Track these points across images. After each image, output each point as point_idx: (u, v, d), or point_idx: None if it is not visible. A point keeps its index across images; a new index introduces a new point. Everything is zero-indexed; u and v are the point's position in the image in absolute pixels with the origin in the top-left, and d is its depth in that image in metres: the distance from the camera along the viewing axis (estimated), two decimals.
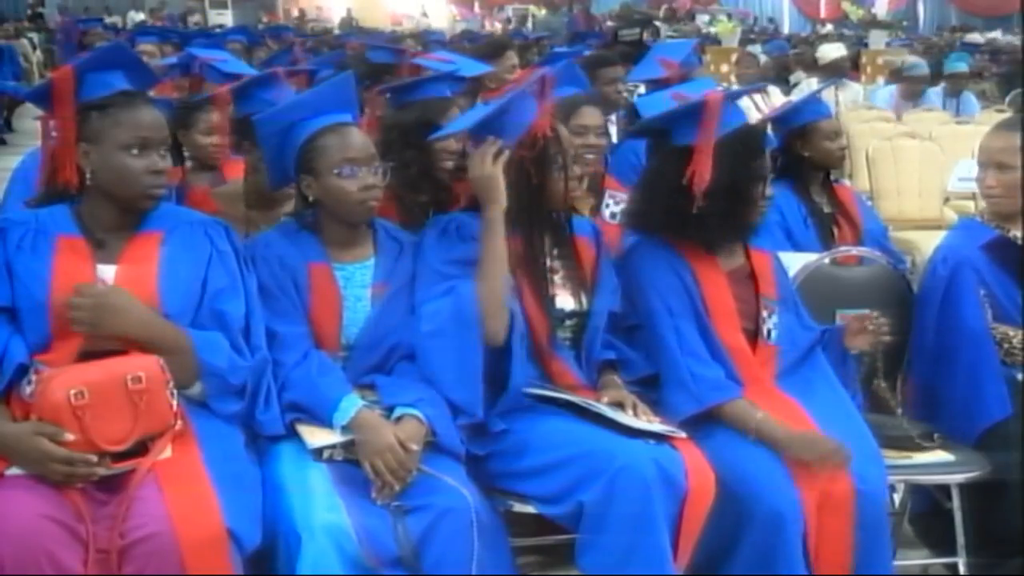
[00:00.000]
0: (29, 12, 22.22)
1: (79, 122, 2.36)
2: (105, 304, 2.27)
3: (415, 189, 3.15)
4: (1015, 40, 13.81)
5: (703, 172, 2.66)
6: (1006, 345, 2.92)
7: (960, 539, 2.79)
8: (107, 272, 2.35)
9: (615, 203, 3.59)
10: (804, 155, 3.76)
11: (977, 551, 2.80)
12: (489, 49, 5.31)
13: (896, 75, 8.89)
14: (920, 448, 2.81)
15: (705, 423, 2.60)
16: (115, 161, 2.33)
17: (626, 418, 2.49)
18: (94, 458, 2.11)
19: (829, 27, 23.10)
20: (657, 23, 15.60)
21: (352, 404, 2.40)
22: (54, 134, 2.45)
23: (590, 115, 3.46)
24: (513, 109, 2.62)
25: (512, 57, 5.27)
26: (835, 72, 8.52)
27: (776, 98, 6.48)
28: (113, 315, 2.26)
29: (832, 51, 8.91)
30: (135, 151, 2.34)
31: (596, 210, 3.55)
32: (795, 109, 3.89)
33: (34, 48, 16.00)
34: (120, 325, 2.27)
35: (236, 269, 2.47)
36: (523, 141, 2.61)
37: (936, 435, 2.84)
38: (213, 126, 3.69)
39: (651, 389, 2.69)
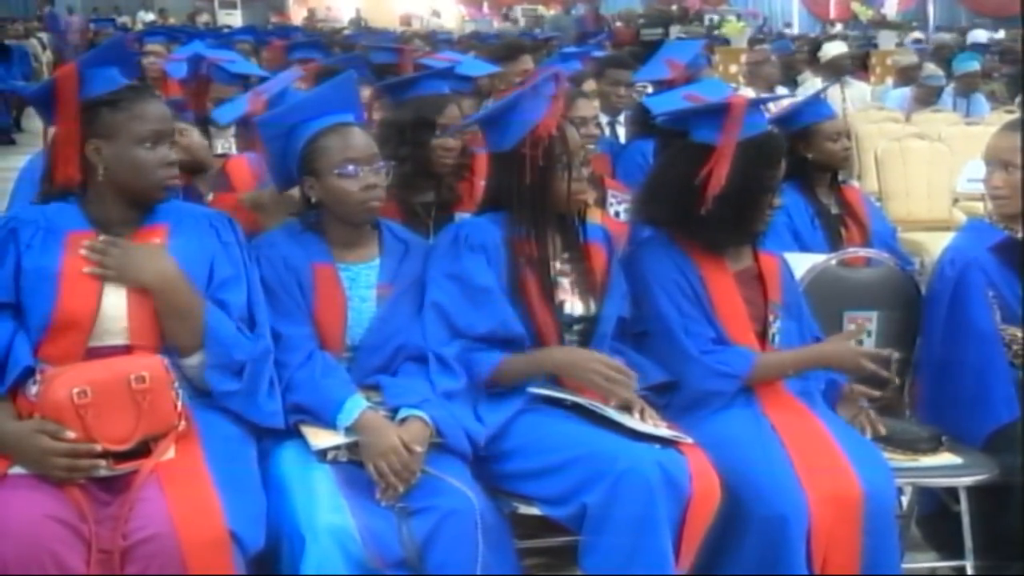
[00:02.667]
0: (39, 12, 22.28)
1: (88, 119, 2.37)
2: (131, 253, 2.32)
3: (414, 188, 3.14)
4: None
5: (720, 173, 2.64)
6: (1014, 347, 2.90)
7: (968, 542, 2.78)
8: None
9: (617, 202, 3.63)
10: (807, 157, 3.74)
11: (985, 554, 2.79)
12: (504, 51, 5.25)
13: (903, 74, 8.85)
14: (927, 451, 2.79)
15: (711, 425, 2.59)
16: (131, 155, 2.35)
17: (632, 421, 2.48)
18: (97, 447, 2.11)
19: (839, 27, 23.03)
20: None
21: (356, 405, 2.40)
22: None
23: (584, 106, 3.71)
24: (520, 107, 2.62)
25: (527, 61, 5.17)
26: (837, 70, 8.46)
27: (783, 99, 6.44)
28: (137, 264, 2.32)
29: (833, 48, 8.87)
30: (149, 144, 2.36)
31: (601, 203, 3.55)
32: (796, 111, 3.85)
33: (44, 48, 16.03)
34: (143, 274, 2.32)
35: (240, 260, 2.49)
36: (528, 140, 2.60)
37: (944, 437, 2.82)
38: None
39: (659, 395, 2.68)
